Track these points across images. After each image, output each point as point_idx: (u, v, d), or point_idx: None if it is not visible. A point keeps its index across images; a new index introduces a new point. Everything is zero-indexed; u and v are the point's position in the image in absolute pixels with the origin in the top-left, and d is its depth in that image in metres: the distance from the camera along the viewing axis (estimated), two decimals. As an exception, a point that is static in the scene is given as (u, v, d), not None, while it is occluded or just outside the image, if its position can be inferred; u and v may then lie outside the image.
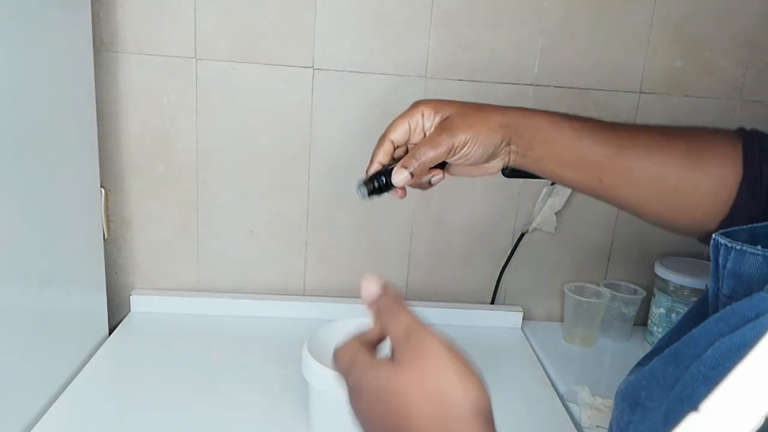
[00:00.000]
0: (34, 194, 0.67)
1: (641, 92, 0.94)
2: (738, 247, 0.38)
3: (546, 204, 0.96)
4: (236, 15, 0.86)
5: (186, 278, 0.97)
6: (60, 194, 0.73)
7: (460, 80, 0.91)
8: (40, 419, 0.67)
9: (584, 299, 0.93)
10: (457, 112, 0.57)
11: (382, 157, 0.59)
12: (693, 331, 0.37)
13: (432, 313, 0.97)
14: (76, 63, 0.76)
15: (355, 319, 0.71)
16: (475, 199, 0.96)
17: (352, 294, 0.99)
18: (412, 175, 0.56)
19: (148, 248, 0.95)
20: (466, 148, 0.56)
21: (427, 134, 0.58)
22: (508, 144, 0.58)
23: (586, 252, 1.01)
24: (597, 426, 0.74)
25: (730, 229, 0.40)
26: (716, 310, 0.40)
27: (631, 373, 0.46)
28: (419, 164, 0.56)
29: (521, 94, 0.92)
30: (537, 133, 0.58)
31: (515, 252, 0.99)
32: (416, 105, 0.59)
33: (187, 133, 0.91)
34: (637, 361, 0.49)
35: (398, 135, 0.59)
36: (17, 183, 0.63)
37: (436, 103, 0.58)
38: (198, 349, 0.85)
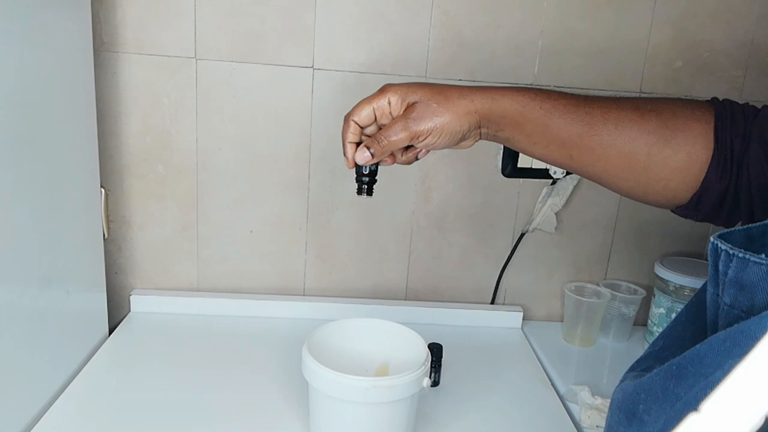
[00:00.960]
0: (35, 194, 0.67)
1: (641, 92, 0.94)
2: (740, 255, 0.36)
3: (546, 204, 0.96)
4: (236, 15, 0.86)
5: (186, 278, 0.97)
6: (60, 194, 0.73)
7: (460, 80, 0.91)
8: (40, 419, 0.67)
9: (584, 299, 0.93)
10: (424, 99, 0.58)
11: (351, 138, 0.60)
12: (698, 347, 0.36)
13: (432, 313, 0.98)
14: (76, 63, 0.76)
15: (355, 319, 0.71)
16: (475, 199, 0.96)
17: (352, 294, 1.00)
18: (372, 155, 0.59)
19: (148, 248, 0.95)
20: (430, 137, 0.58)
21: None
22: (478, 127, 0.59)
23: (586, 252, 1.01)
24: (597, 426, 0.74)
25: (726, 231, 0.39)
26: (716, 316, 0.39)
27: (625, 378, 0.45)
28: (380, 147, 0.58)
29: (521, 94, 0.92)
30: (505, 116, 0.58)
31: (515, 252, 0.99)
32: (383, 89, 0.60)
33: (187, 133, 0.91)
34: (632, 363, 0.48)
35: (362, 118, 0.60)
36: (17, 183, 0.63)
37: (403, 89, 0.59)
38: (198, 349, 0.85)
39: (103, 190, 0.88)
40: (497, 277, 1.00)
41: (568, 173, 0.94)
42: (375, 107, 0.59)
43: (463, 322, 0.98)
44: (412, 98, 0.59)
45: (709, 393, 0.33)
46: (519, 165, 0.94)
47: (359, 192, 0.63)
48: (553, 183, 0.95)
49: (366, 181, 0.62)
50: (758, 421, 0.23)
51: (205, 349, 0.85)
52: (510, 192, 0.97)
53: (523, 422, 0.74)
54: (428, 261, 0.99)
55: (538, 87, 0.61)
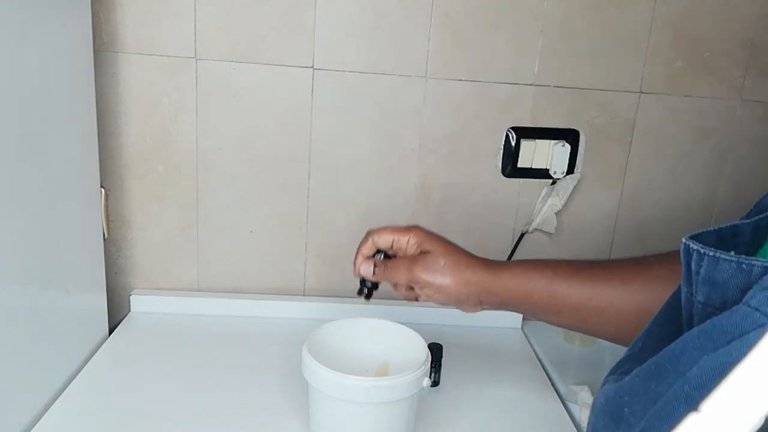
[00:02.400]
0: (34, 194, 0.67)
1: (641, 92, 0.94)
2: (711, 253, 0.36)
3: (546, 204, 0.96)
4: (236, 15, 0.86)
5: (186, 278, 0.97)
6: (60, 194, 0.73)
7: (460, 80, 0.91)
8: (40, 419, 0.67)
9: (584, 299, 0.93)
10: (437, 252, 0.64)
11: (366, 251, 0.67)
12: (673, 345, 0.37)
13: (432, 313, 0.98)
14: (76, 63, 0.76)
15: (355, 319, 0.71)
16: (475, 199, 0.96)
17: (352, 294, 0.99)
18: (373, 273, 0.65)
19: (148, 248, 0.95)
20: (428, 289, 0.63)
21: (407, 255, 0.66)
22: (479, 300, 0.64)
23: (586, 252, 1.00)
24: (597, 426, 0.73)
25: (698, 233, 0.40)
26: (690, 315, 0.39)
27: (606, 381, 0.45)
28: (383, 273, 0.65)
29: (521, 94, 0.92)
30: (508, 291, 0.62)
31: (515, 252, 0.99)
32: (410, 229, 0.66)
33: (187, 133, 0.91)
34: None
35: (381, 240, 0.66)
36: (17, 183, 0.63)
37: (425, 237, 0.65)
38: (198, 348, 0.85)
39: (103, 190, 0.88)
40: (497, 277, 1.00)
41: (568, 173, 0.94)
42: (395, 239, 0.66)
43: (463, 322, 0.98)
44: (427, 247, 0.64)
45: (687, 390, 0.33)
46: (519, 165, 0.94)
47: (359, 293, 0.68)
48: (553, 183, 0.95)
49: (368, 286, 0.68)
50: (758, 421, 0.23)
51: (205, 349, 0.85)
52: (510, 192, 0.97)
53: (523, 422, 0.74)
54: (428, 261, 0.99)
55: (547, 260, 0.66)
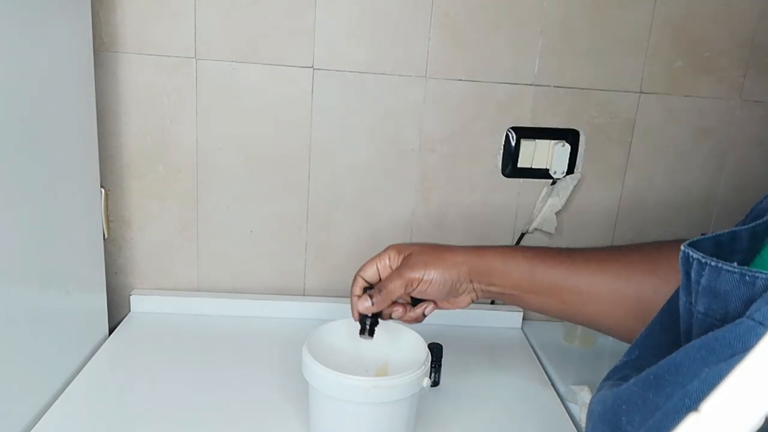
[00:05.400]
0: (35, 194, 0.67)
1: (641, 92, 0.94)
2: (713, 264, 0.36)
3: (546, 204, 0.96)
4: (236, 15, 0.86)
5: (186, 278, 0.97)
6: (60, 194, 0.73)
7: (460, 80, 0.91)
8: (40, 419, 0.67)
9: (584, 299, 0.93)
10: (416, 252, 0.66)
11: (357, 291, 0.68)
12: (674, 355, 0.36)
13: (432, 313, 0.97)
14: (76, 63, 0.76)
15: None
16: (475, 199, 0.96)
17: (352, 294, 0.99)
18: (373, 304, 0.64)
19: (148, 248, 0.95)
20: (422, 284, 0.64)
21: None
22: (471, 282, 0.65)
23: (586, 252, 1.00)
24: (597, 426, 0.73)
25: (696, 239, 0.39)
26: (689, 325, 0.39)
27: (602, 387, 0.45)
28: (380, 295, 0.64)
29: (521, 94, 0.92)
30: (491, 267, 0.64)
31: (515, 252, 0.99)
32: (386, 250, 0.68)
33: (187, 133, 0.91)
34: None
35: (368, 274, 0.68)
36: (17, 183, 0.63)
37: (401, 246, 0.68)
38: (198, 349, 0.85)
39: (103, 190, 0.88)
40: (497, 277, 1.00)
41: (568, 173, 0.94)
42: (378, 265, 0.67)
43: (463, 322, 0.98)
44: (407, 251, 0.66)
45: (687, 404, 0.33)
46: (519, 165, 0.94)
47: (362, 333, 0.67)
48: (553, 183, 0.95)
49: (369, 323, 0.67)
50: (758, 421, 0.23)
51: (205, 349, 0.85)
52: (510, 192, 0.97)
53: (523, 422, 0.74)
54: (428, 261, 0.99)
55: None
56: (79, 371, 0.77)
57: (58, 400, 0.71)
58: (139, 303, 0.94)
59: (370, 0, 0.87)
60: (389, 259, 0.67)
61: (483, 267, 0.65)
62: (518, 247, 0.65)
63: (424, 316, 0.68)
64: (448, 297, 0.67)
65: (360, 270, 0.68)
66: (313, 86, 0.90)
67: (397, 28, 0.89)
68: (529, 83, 0.92)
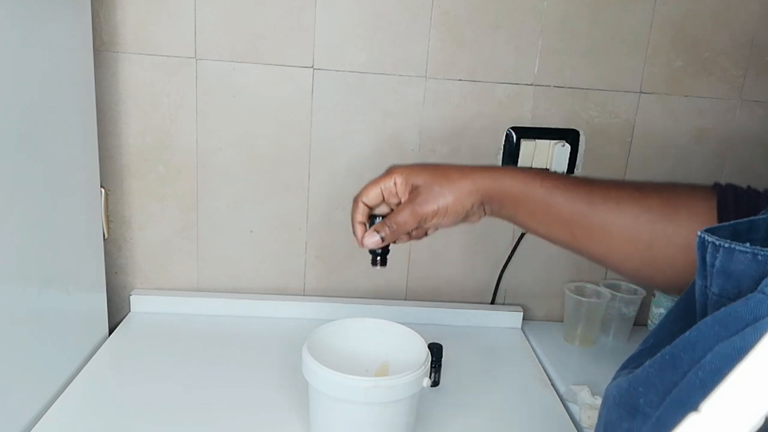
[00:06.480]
0: (35, 194, 0.67)
1: (641, 92, 0.94)
2: (726, 245, 0.37)
3: (546, 204, 0.96)
4: (236, 15, 0.86)
5: (186, 278, 0.97)
6: (60, 194, 0.73)
7: (460, 80, 0.91)
8: (40, 419, 0.67)
9: (584, 299, 0.93)
10: (427, 182, 0.62)
11: (360, 218, 0.64)
12: (687, 333, 0.37)
13: (432, 313, 0.98)
14: (76, 63, 0.76)
15: (355, 319, 0.71)
16: (475, 199, 0.96)
17: (352, 294, 0.99)
18: (382, 239, 0.62)
19: (148, 248, 0.95)
20: (436, 218, 0.61)
21: (402, 199, 0.63)
22: (481, 204, 0.62)
23: (586, 252, 1.00)
24: (597, 426, 0.73)
25: (713, 227, 0.40)
26: (704, 309, 0.40)
27: (617, 376, 0.45)
28: (390, 232, 0.62)
29: (521, 94, 0.92)
30: (507, 194, 0.61)
31: (515, 252, 0.99)
32: (390, 171, 0.63)
33: (187, 133, 0.91)
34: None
35: (370, 198, 0.63)
36: (17, 183, 0.63)
37: (408, 171, 0.63)
38: (198, 349, 0.85)
39: (103, 190, 0.88)
40: (497, 277, 1.00)
41: (568, 173, 0.94)
42: (382, 188, 0.63)
43: (463, 322, 0.98)
44: (416, 180, 0.62)
45: (701, 376, 0.34)
46: (519, 165, 0.94)
47: (373, 263, 0.65)
48: (553, 183, 0.95)
49: (379, 253, 0.65)
50: (758, 421, 0.23)
51: (205, 349, 0.85)
52: (510, 192, 0.96)
53: (523, 422, 0.74)
54: (428, 261, 0.99)
55: (539, 169, 0.66)
56: (79, 371, 0.77)
57: (58, 400, 0.71)
58: (139, 303, 0.94)
59: (370, 0, 0.87)
60: (395, 184, 0.63)
61: (497, 194, 0.61)
62: (534, 172, 0.62)
63: (426, 234, 0.67)
64: (458, 223, 0.64)
65: (361, 194, 0.64)
66: (313, 86, 0.90)
67: (397, 28, 0.89)
68: (529, 83, 0.92)
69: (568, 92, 0.93)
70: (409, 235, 0.65)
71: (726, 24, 0.91)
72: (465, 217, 0.63)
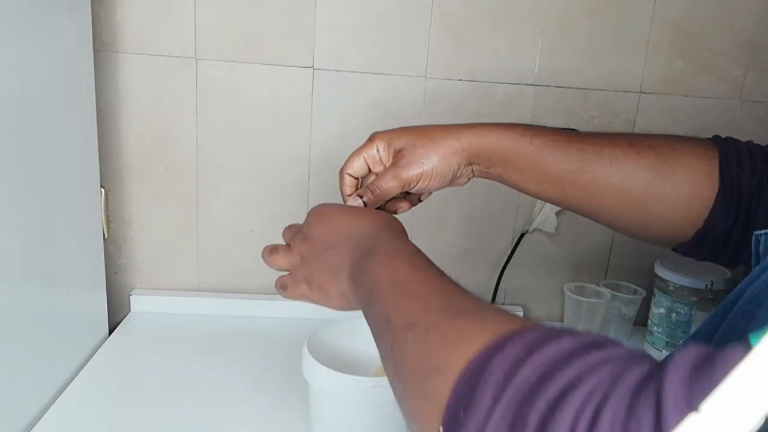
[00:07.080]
0: (35, 194, 0.67)
1: (641, 92, 0.94)
2: None
3: (546, 204, 0.96)
4: (236, 15, 0.86)
5: (186, 278, 0.97)
6: (60, 194, 0.73)
7: (460, 80, 0.91)
8: (40, 419, 0.67)
9: (584, 299, 0.93)
10: (410, 144, 0.59)
11: (347, 190, 0.62)
12: (740, 284, 0.38)
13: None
14: (76, 63, 0.76)
15: (355, 319, 0.71)
16: (475, 199, 0.96)
17: (352, 294, 0.99)
18: (365, 204, 0.59)
19: (148, 248, 0.95)
20: (421, 181, 0.58)
21: (386, 165, 0.60)
22: (469, 164, 0.59)
23: (586, 252, 1.00)
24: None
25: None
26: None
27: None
28: (373, 196, 0.59)
29: (521, 94, 0.92)
30: (494, 152, 0.58)
31: (515, 252, 0.99)
32: (371, 138, 0.61)
33: (187, 133, 0.90)
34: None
35: (354, 169, 0.61)
36: (17, 183, 0.63)
37: (389, 135, 0.60)
38: (198, 349, 0.85)
39: (103, 190, 0.88)
40: (497, 277, 1.00)
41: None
42: (366, 157, 0.60)
43: (463, 322, 0.98)
44: (398, 144, 0.59)
45: (741, 305, 0.35)
46: (519, 165, 0.94)
47: None
48: (553, 183, 0.95)
49: None
50: (758, 421, 0.23)
51: (205, 349, 0.85)
52: (510, 192, 0.96)
53: (523, 422, 0.74)
54: (428, 261, 0.99)
55: (528, 124, 0.62)
56: (79, 371, 0.77)
57: (58, 400, 0.71)
58: (139, 303, 0.94)
59: (370, 0, 0.87)
60: (377, 150, 0.60)
61: (485, 152, 0.58)
62: (523, 128, 0.58)
63: (420, 200, 0.65)
64: (446, 185, 0.62)
65: (345, 166, 0.61)
66: (313, 86, 0.90)
67: (397, 28, 0.89)
68: (529, 83, 0.92)
69: (568, 92, 0.93)
70: (409, 203, 0.63)
71: (726, 24, 0.91)
72: (452, 179, 0.60)
